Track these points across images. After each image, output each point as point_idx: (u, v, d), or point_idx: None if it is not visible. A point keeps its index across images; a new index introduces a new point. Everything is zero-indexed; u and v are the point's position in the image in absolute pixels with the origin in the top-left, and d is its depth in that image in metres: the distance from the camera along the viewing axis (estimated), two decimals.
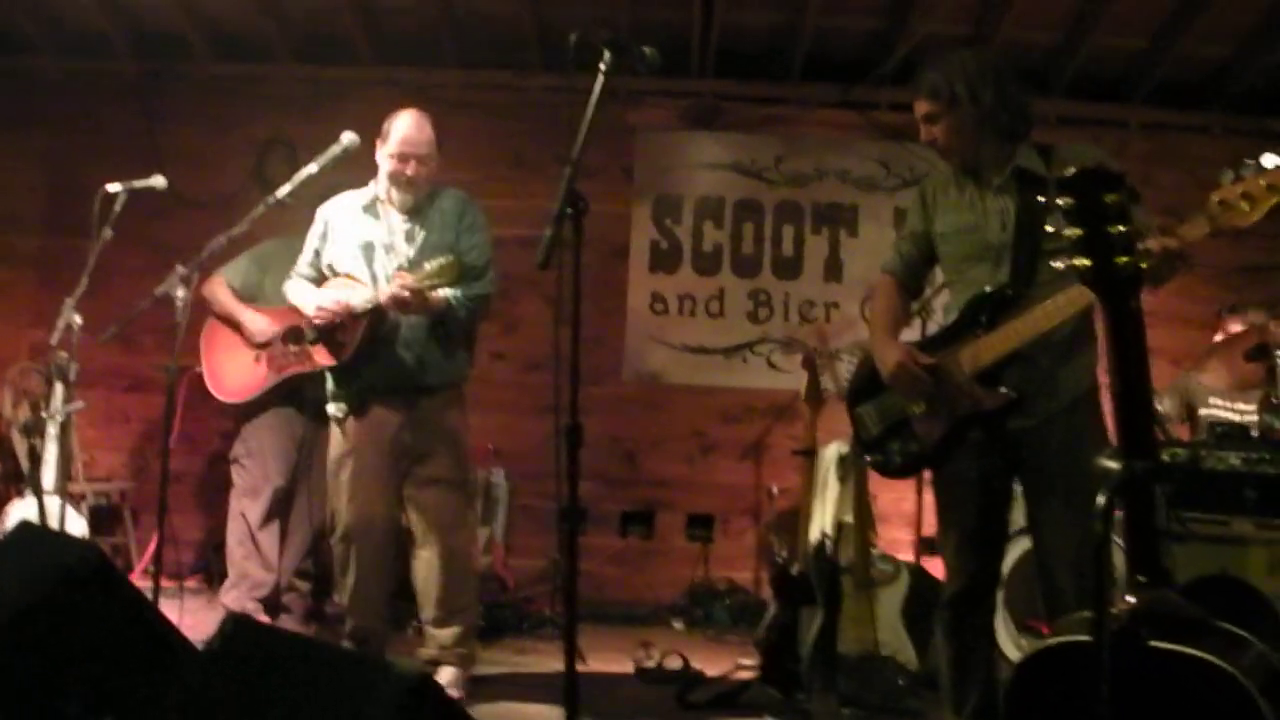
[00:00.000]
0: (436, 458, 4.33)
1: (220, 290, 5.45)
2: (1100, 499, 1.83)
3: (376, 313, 4.19)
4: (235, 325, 5.41)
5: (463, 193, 4.53)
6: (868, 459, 3.56)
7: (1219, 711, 1.85)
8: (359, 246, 4.35)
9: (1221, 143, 6.74)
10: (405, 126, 4.34)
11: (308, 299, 4.39)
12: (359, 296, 4.22)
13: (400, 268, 4.26)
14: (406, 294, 4.06)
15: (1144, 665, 1.89)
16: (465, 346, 4.47)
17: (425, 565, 4.33)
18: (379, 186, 4.41)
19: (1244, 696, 1.83)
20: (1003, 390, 3.12)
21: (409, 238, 4.35)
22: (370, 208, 4.41)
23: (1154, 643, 1.89)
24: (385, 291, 4.14)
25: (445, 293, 4.19)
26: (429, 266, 4.07)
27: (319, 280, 4.45)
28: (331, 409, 4.42)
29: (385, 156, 4.35)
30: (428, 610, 4.37)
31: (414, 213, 4.38)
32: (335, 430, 4.40)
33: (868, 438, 3.49)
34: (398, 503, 4.38)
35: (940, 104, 3.27)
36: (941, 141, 3.31)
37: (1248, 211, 2.54)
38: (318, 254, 4.46)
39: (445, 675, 4.25)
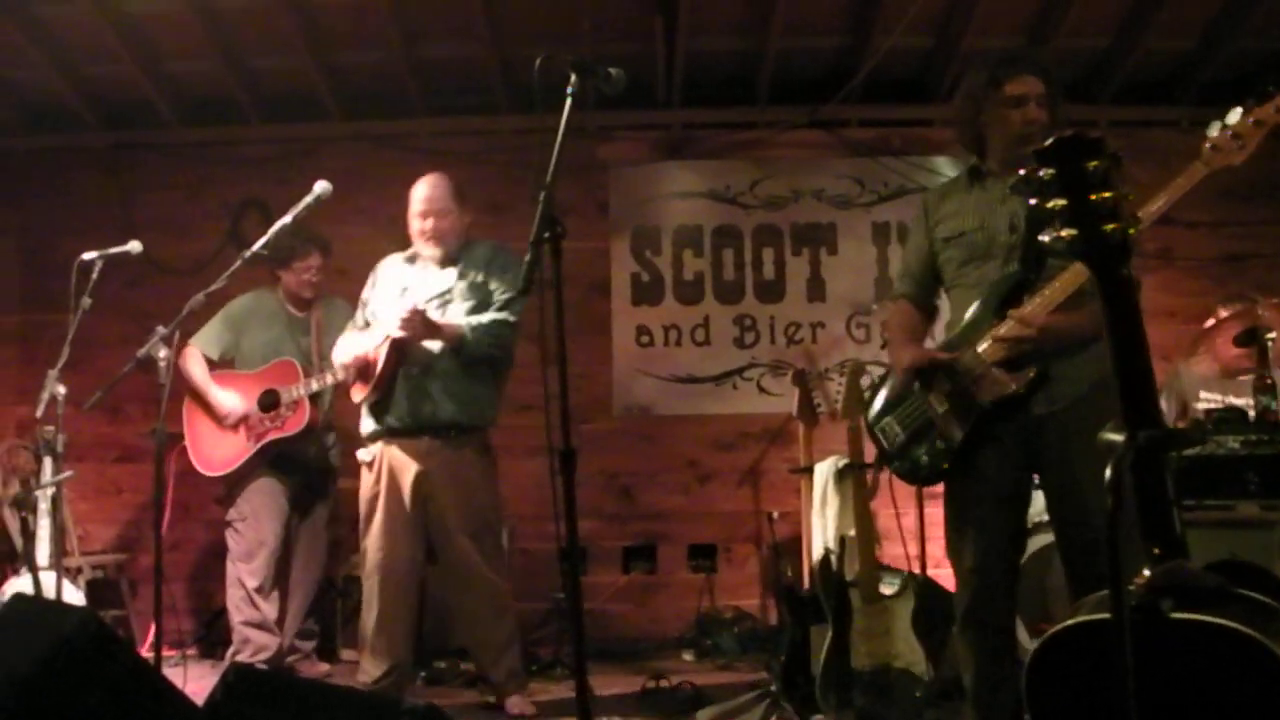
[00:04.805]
0: (459, 507, 4.45)
1: (193, 365, 5.43)
2: (1109, 472, 1.81)
3: (395, 344, 4.35)
4: (206, 405, 5.41)
5: (499, 242, 4.74)
6: (893, 468, 3.52)
7: (1247, 679, 1.81)
8: (398, 291, 4.56)
9: (1191, 136, 6.60)
10: (420, 187, 4.61)
11: (337, 358, 4.74)
12: (376, 335, 4.39)
13: None
14: (409, 314, 4.23)
15: (1166, 638, 1.85)
16: (486, 389, 4.57)
17: (466, 613, 4.53)
18: (417, 247, 4.65)
19: (1272, 662, 1.79)
20: (1028, 372, 3.12)
21: (442, 280, 4.55)
22: (411, 259, 4.68)
23: (1175, 614, 1.86)
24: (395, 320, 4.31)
25: (461, 321, 4.38)
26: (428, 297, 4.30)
27: (366, 328, 4.67)
28: (362, 454, 4.59)
29: (411, 219, 4.61)
30: (477, 655, 4.64)
31: (449, 263, 4.59)
32: (365, 474, 4.57)
33: (892, 448, 3.47)
34: (421, 545, 4.54)
35: (1053, 90, 3.33)
36: (1041, 127, 3.26)
37: (1240, 149, 2.83)
38: (364, 304, 4.71)
39: (513, 703, 4.54)
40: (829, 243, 6.95)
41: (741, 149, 7.02)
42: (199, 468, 5.42)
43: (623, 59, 6.03)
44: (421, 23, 6.34)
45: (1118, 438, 1.87)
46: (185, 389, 5.44)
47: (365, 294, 4.75)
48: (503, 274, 4.54)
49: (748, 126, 7.02)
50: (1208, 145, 2.90)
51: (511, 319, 4.48)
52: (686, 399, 6.85)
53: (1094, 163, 1.85)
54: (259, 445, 5.34)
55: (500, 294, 4.50)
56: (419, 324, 4.26)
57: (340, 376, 4.87)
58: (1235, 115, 2.88)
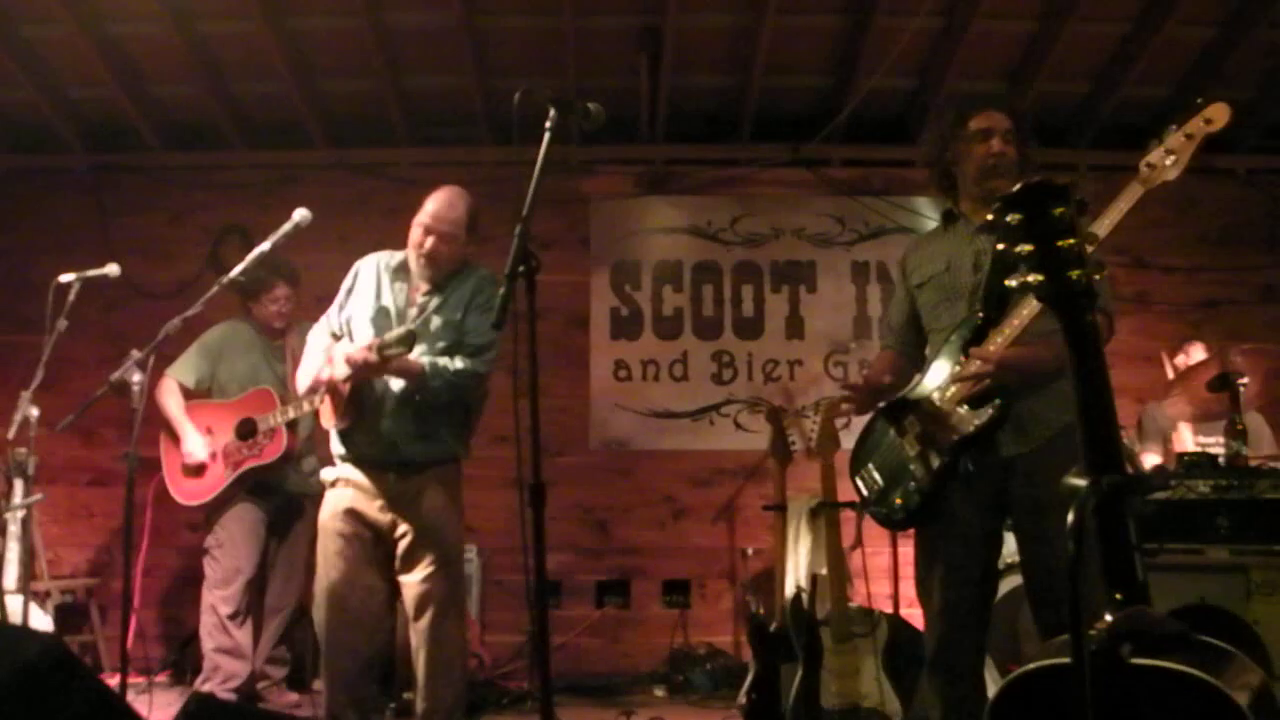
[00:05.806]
0: (418, 542, 4.13)
1: (169, 398, 5.41)
2: (1071, 516, 1.81)
3: (354, 376, 4.08)
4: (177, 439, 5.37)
5: (490, 274, 4.32)
6: (871, 513, 3.51)
7: None
8: (374, 311, 4.26)
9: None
10: (435, 200, 4.23)
11: (301, 380, 4.39)
12: (339, 369, 4.17)
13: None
14: (359, 358, 3.94)
15: (1126, 683, 1.85)
16: (453, 424, 4.24)
17: (414, 652, 4.17)
18: (409, 256, 4.30)
19: (1230, 708, 1.80)
20: (989, 407, 3.12)
21: (421, 310, 4.24)
22: (398, 271, 4.32)
23: (1135, 659, 1.86)
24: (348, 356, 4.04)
25: (422, 361, 4.07)
26: (388, 335, 4.02)
27: (338, 335, 4.33)
28: (325, 473, 4.29)
29: (414, 225, 4.24)
30: (418, 699, 4.18)
31: (437, 287, 4.25)
32: (328, 493, 4.27)
33: (871, 495, 3.45)
34: (377, 580, 4.20)
35: (1020, 126, 3.36)
36: (1008, 160, 3.32)
37: (1174, 165, 2.91)
38: (341, 307, 4.36)
39: None
40: (808, 281, 6.98)
41: (723, 186, 7.06)
42: (177, 497, 5.38)
43: (607, 94, 6.09)
44: (407, 53, 6.38)
45: (1080, 483, 1.88)
46: (160, 421, 5.42)
47: (342, 296, 4.38)
48: (481, 314, 4.20)
49: (730, 163, 7.06)
50: (1144, 164, 2.97)
51: (481, 369, 4.14)
52: (663, 434, 6.85)
53: (1060, 209, 1.88)
54: (237, 474, 5.30)
55: (473, 338, 4.18)
56: (369, 363, 3.96)
57: (311, 405, 4.78)
58: (1171, 133, 2.97)
